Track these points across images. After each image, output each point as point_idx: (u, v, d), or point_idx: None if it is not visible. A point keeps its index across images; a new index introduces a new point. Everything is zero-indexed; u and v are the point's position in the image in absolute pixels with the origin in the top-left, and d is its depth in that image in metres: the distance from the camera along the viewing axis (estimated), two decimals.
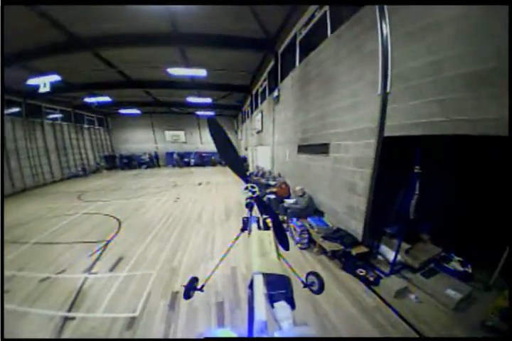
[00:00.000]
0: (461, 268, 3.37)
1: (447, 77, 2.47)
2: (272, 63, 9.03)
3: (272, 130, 9.45)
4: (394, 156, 3.31)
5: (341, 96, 4.40)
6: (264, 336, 0.49)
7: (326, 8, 4.99)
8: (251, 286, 0.68)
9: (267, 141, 10.70)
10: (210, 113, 19.41)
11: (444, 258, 3.67)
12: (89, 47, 7.75)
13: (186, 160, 22.62)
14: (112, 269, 4.00)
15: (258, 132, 12.31)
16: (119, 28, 6.90)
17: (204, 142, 23.36)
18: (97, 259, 4.34)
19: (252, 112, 14.60)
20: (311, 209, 5.41)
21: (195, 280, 1.31)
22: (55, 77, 8.71)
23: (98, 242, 5.06)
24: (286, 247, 1.31)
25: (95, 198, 9.49)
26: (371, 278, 3.46)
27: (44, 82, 8.68)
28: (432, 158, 3.13)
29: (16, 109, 11.98)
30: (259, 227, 1.09)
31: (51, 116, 14.75)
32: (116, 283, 3.59)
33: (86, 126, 18.37)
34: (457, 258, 3.55)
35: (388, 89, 3.25)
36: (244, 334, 0.54)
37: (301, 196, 5.56)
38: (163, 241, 5.07)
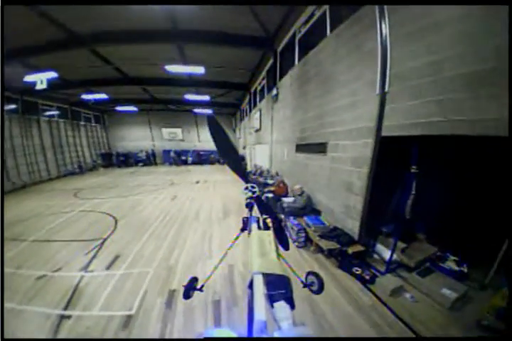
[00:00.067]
0: (456, 268, 3.40)
1: (446, 77, 2.48)
2: (270, 61, 8.99)
3: (271, 128, 9.44)
4: (391, 156, 3.34)
5: (340, 96, 4.41)
6: (264, 336, 0.49)
7: (326, 7, 4.97)
8: (250, 286, 0.68)
9: (265, 139, 10.69)
10: (208, 111, 19.33)
11: (439, 257, 3.71)
12: (86, 44, 7.67)
13: (184, 158, 22.48)
14: (108, 267, 3.99)
15: (256, 131, 12.29)
16: (117, 25, 6.82)
17: (202, 140, 23.23)
18: (94, 257, 4.32)
19: (250, 110, 14.56)
20: (309, 209, 5.43)
21: (194, 280, 1.31)
22: (52, 74, 8.61)
23: (95, 240, 5.04)
24: (286, 247, 1.31)
25: (92, 196, 9.44)
26: (367, 277, 3.49)
27: (41, 79, 8.58)
28: (429, 157, 3.15)
29: (12, 106, 11.84)
30: (259, 227, 1.09)
31: (48, 113, 14.60)
32: (112, 281, 3.58)
33: (82, 123, 18.22)
34: (453, 257, 3.58)
35: (387, 89, 3.25)
36: (244, 334, 0.54)
37: (299, 195, 5.58)
38: (160, 239, 5.07)
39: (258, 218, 1.18)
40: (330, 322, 2.74)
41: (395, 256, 3.61)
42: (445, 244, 3.87)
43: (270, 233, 0.99)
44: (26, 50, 7.59)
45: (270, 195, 6.79)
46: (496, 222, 3.07)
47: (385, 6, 3.16)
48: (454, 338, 2.53)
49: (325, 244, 4.09)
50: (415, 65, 2.82)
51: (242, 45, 8.06)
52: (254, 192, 1.29)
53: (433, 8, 2.54)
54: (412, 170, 3.10)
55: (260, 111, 11.28)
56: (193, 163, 22.48)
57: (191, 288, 1.28)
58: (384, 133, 3.37)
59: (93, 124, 19.78)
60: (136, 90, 14.38)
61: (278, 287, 0.67)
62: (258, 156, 13.02)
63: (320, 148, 5.17)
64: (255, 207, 1.29)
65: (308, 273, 1.17)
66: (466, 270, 3.37)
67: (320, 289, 1.11)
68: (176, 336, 2.57)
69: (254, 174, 11.18)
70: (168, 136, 22.86)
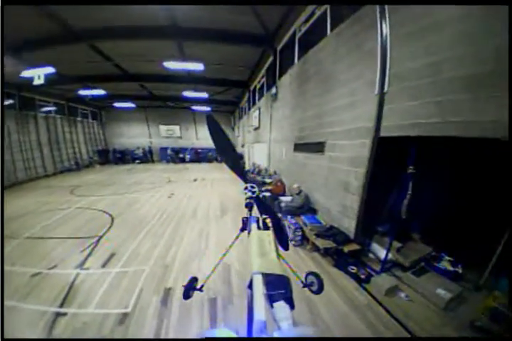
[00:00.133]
0: (451, 268, 3.43)
1: (445, 78, 2.48)
2: (270, 59, 8.96)
3: (269, 127, 9.43)
4: (388, 156, 3.35)
5: (339, 95, 4.41)
6: (264, 336, 0.49)
7: (327, 6, 4.95)
8: (250, 286, 0.68)
9: (263, 138, 10.67)
10: (207, 108, 19.25)
11: (434, 257, 3.74)
12: (85, 39, 7.59)
13: (181, 156, 22.37)
14: (104, 265, 3.97)
15: (255, 129, 12.27)
16: (117, 21, 6.74)
17: (200, 138, 23.12)
18: (89, 255, 4.30)
19: (249, 109, 14.52)
20: (306, 207, 5.44)
21: (194, 280, 1.31)
22: (50, 69, 8.51)
23: (90, 237, 5.02)
24: (286, 247, 1.32)
25: (88, 193, 9.38)
26: (362, 276, 3.52)
27: (38, 74, 8.49)
28: (425, 158, 3.16)
29: (9, 102, 11.70)
30: (258, 227, 1.09)
31: (45, 109, 14.43)
32: (108, 278, 3.57)
33: (79, 119, 18.03)
34: (448, 257, 3.61)
35: (386, 89, 3.26)
36: (244, 334, 0.54)
37: (297, 194, 5.59)
38: (157, 237, 5.05)
39: (258, 218, 1.18)
40: (325, 322, 2.75)
41: (390, 256, 3.64)
42: (440, 244, 3.91)
43: (270, 233, 0.99)
44: (24, 45, 7.48)
45: (267, 194, 6.80)
46: (491, 223, 3.11)
47: (386, 6, 3.15)
48: (449, 338, 2.55)
49: (321, 243, 4.11)
50: (415, 66, 2.82)
51: (242, 43, 8.01)
52: (253, 192, 1.29)
53: (433, 8, 2.54)
54: (409, 171, 3.11)
55: (259, 109, 11.26)
56: (191, 160, 22.37)
57: (191, 288, 1.28)
58: (382, 133, 3.37)
59: (90, 120, 19.60)
60: (135, 86, 14.26)
61: (278, 287, 0.67)
62: (256, 155, 13.01)
63: (318, 147, 5.18)
64: (255, 207, 1.28)
65: (308, 273, 1.17)
66: (460, 270, 3.39)
67: (320, 289, 1.11)
68: (171, 334, 2.57)
69: (252, 172, 11.19)
70: (166, 133, 22.73)
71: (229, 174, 13.11)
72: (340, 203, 4.44)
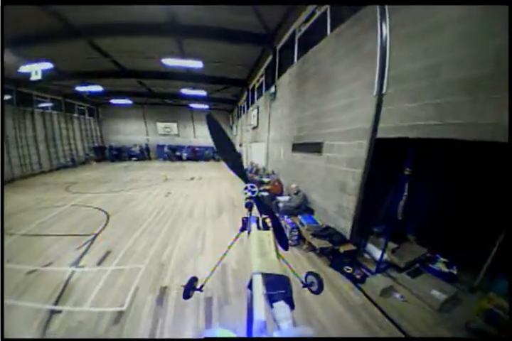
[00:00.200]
0: (446, 270, 3.46)
1: (445, 80, 2.48)
2: (269, 58, 8.93)
3: (268, 127, 9.42)
4: (385, 157, 3.36)
5: (337, 96, 4.41)
6: (264, 336, 0.49)
7: (327, 6, 4.94)
8: (250, 286, 0.68)
9: (262, 137, 10.66)
10: (205, 106, 19.15)
11: (429, 258, 3.77)
12: (84, 35, 7.51)
13: (178, 154, 22.24)
14: (99, 263, 3.96)
15: (254, 128, 12.24)
16: (116, 17, 6.67)
17: (198, 136, 23.01)
18: (85, 252, 4.27)
19: (248, 107, 14.48)
20: (304, 207, 5.46)
21: (194, 280, 1.32)
22: (48, 65, 8.44)
23: (86, 235, 4.98)
24: (286, 247, 1.33)
25: (84, 190, 9.30)
26: (358, 276, 3.54)
27: (36, 70, 8.41)
28: (422, 160, 3.18)
29: (6, 97, 11.54)
30: (258, 227, 1.09)
31: (41, 104, 14.26)
32: (103, 276, 3.56)
33: (76, 115, 17.84)
34: (443, 259, 3.64)
35: (384, 91, 3.27)
36: (243, 334, 0.54)
37: (295, 194, 5.60)
38: (153, 236, 5.03)
39: (258, 218, 1.18)
40: (321, 322, 2.76)
41: (385, 256, 3.66)
42: (435, 245, 3.94)
43: (270, 233, 0.99)
44: (22, 40, 7.37)
45: (265, 194, 6.80)
46: (486, 225, 3.14)
47: (386, 7, 3.15)
48: (443, 338, 2.58)
49: (317, 243, 4.13)
50: (414, 67, 2.83)
51: (242, 41, 7.98)
52: (253, 192, 1.29)
53: (434, 9, 2.53)
54: (406, 172, 3.13)
55: (258, 108, 11.23)
56: (188, 159, 22.25)
57: (191, 288, 1.29)
58: (379, 134, 3.38)
59: (87, 117, 19.41)
60: (133, 83, 14.15)
61: (278, 287, 0.67)
62: (255, 154, 13.00)
63: (316, 147, 5.19)
64: (255, 207, 1.29)
65: (308, 273, 1.18)
66: (455, 272, 3.42)
67: (319, 289, 1.12)
68: (166, 334, 2.56)
69: (250, 172, 11.17)
70: (163, 131, 22.57)
71: (226, 173, 13.11)
72: (336, 203, 4.46)
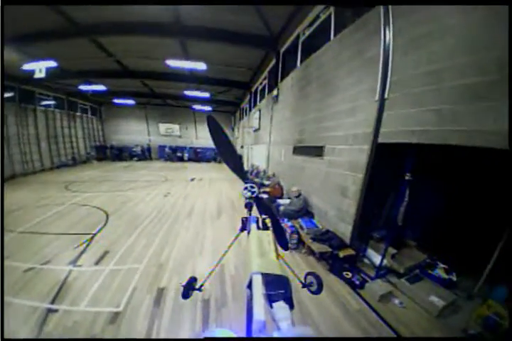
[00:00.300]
0: (445, 276, 3.43)
1: (447, 86, 2.48)
2: (273, 62, 8.99)
3: (269, 129, 9.44)
4: (386, 162, 3.36)
5: (339, 100, 4.42)
6: (263, 336, 0.49)
7: (331, 10, 4.98)
8: (249, 286, 0.67)
9: (263, 139, 10.68)
10: (208, 107, 19.23)
11: (429, 264, 3.74)
12: (88, 34, 7.58)
13: (179, 154, 22.30)
14: (97, 262, 3.94)
15: (255, 130, 12.28)
16: (120, 16, 6.72)
17: (200, 137, 23.09)
18: (83, 252, 4.26)
19: (250, 110, 14.55)
20: (304, 211, 5.44)
21: (194, 280, 1.31)
22: (51, 63, 8.48)
23: (84, 234, 4.97)
24: (285, 247, 1.36)
25: (84, 189, 9.31)
26: (357, 282, 3.52)
27: (40, 68, 8.46)
28: (422, 165, 3.17)
29: (9, 94, 11.61)
30: (258, 227, 1.09)
31: (44, 102, 14.33)
32: (101, 276, 3.54)
33: (79, 114, 17.92)
34: (442, 265, 3.62)
35: (386, 96, 3.27)
36: (242, 334, 0.54)
37: (296, 197, 5.59)
38: (152, 236, 5.02)
39: (257, 218, 1.18)
40: (319, 329, 2.73)
41: (385, 262, 3.64)
42: (435, 251, 3.92)
43: (269, 233, 0.99)
44: (26, 38, 7.43)
45: (265, 196, 6.79)
46: (486, 233, 3.12)
47: (390, 12, 3.16)
48: (436, 338, 2.57)
49: (316, 247, 4.11)
50: (416, 73, 2.83)
51: (246, 44, 8.04)
52: (253, 192, 1.29)
53: (437, 15, 2.54)
54: (407, 178, 3.12)
55: (260, 111, 11.28)
56: (189, 159, 22.34)
57: (190, 287, 1.29)
58: (381, 139, 3.38)
59: (89, 116, 19.51)
60: (136, 83, 14.24)
61: (277, 287, 0.67)
62: (256, 156, 13.02)
63: (317, 151, 5.19)
64: (254, 207, 1.29)
65: (308, 274, 1.18)
66: (454, 278, 3.40)
67: (319, 290, 1.11)
68: (162, 335, 2.54)
69: (250, 174, 11.18)
70: (165, 132, 22.67)
71: (227, 174, 13.12)
72: (337, 207, 4.45)
